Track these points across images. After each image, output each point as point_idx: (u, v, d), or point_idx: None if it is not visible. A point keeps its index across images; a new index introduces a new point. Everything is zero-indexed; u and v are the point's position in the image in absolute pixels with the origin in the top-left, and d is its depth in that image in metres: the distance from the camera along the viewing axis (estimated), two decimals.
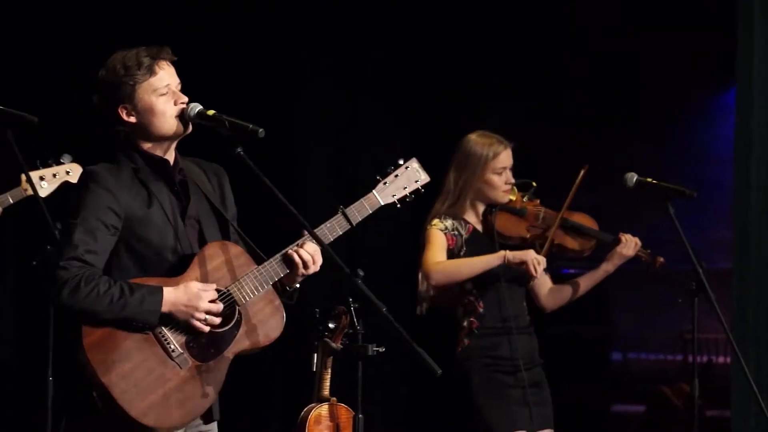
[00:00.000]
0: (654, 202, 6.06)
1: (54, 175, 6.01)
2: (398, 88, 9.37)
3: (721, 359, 11.03)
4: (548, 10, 10.07)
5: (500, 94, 10.23)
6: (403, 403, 8.79)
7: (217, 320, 4.43)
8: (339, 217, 4.68)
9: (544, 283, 6.23)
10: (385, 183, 4.86)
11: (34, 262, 4.39)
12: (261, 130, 4.44)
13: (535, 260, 5.85)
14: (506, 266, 5.96)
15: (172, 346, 4.42)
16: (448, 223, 5.99)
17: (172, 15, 8.57)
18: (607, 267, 6.17)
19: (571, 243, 6.17)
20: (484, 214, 6.11)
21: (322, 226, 4.63)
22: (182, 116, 4.51)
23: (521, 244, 6.10)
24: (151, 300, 4.35)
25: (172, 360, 4.41)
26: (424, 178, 4.91)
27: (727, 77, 8.02)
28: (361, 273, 4.43)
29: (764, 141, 7.28)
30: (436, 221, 6.00)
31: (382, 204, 4.81)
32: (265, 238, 4.70)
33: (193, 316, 4.37)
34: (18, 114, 5.34)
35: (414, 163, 4.90)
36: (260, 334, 4.55)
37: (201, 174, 4.70)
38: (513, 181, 6.07)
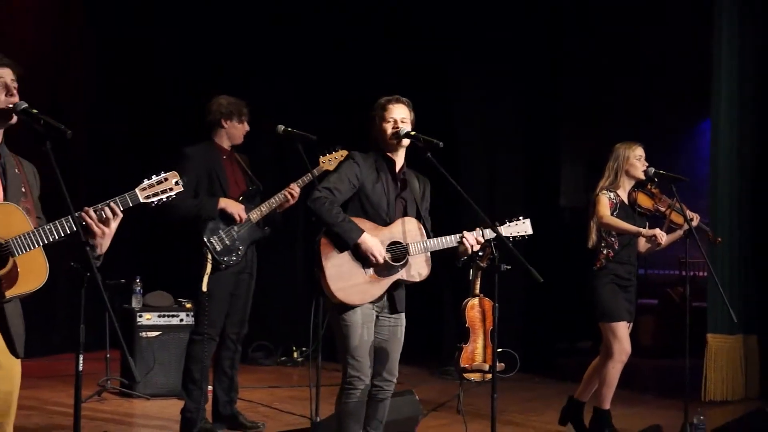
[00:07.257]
0: (664, 183, 5.90)
1: (335, 158, 5.99)
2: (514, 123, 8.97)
3: (701, 273, 10.78)
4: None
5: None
6: (521, 297, 8.63)
7: (380, 261, 4.42)
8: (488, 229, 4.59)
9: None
10: (513, 224, 4.77)
11: (313, 219, 4.41)
12: (441, 143, 4.44)
13: (661, 234, 5.64)
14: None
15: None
16: (611, 194, 5.76)
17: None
18: (681, 233, 5.84)
19: (676, 220, 5.85)
20: (629, 192, 5.88)
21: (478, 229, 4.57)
22: (395, 135, 4.56)
23: (648, 213, 5.90)
24: (356, 232, 4.39)
25: (362, 268, 4.45)
26: (530, 231, 4.80)
27: (705, 110, 7.78)
28: (498, 224, 4.51)
29: (726, 148, 7.19)
30: (604, 192, 5.78)
31: (504, 236, 4.61)
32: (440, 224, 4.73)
33: (370, 253, 4.39)
34: (304, 134, 5.37)
35: (528, 221, 4.81)
36: (414, 273, 4.55)
37: (416, 180, 4.72)
38: (647, 164, 5.81)
